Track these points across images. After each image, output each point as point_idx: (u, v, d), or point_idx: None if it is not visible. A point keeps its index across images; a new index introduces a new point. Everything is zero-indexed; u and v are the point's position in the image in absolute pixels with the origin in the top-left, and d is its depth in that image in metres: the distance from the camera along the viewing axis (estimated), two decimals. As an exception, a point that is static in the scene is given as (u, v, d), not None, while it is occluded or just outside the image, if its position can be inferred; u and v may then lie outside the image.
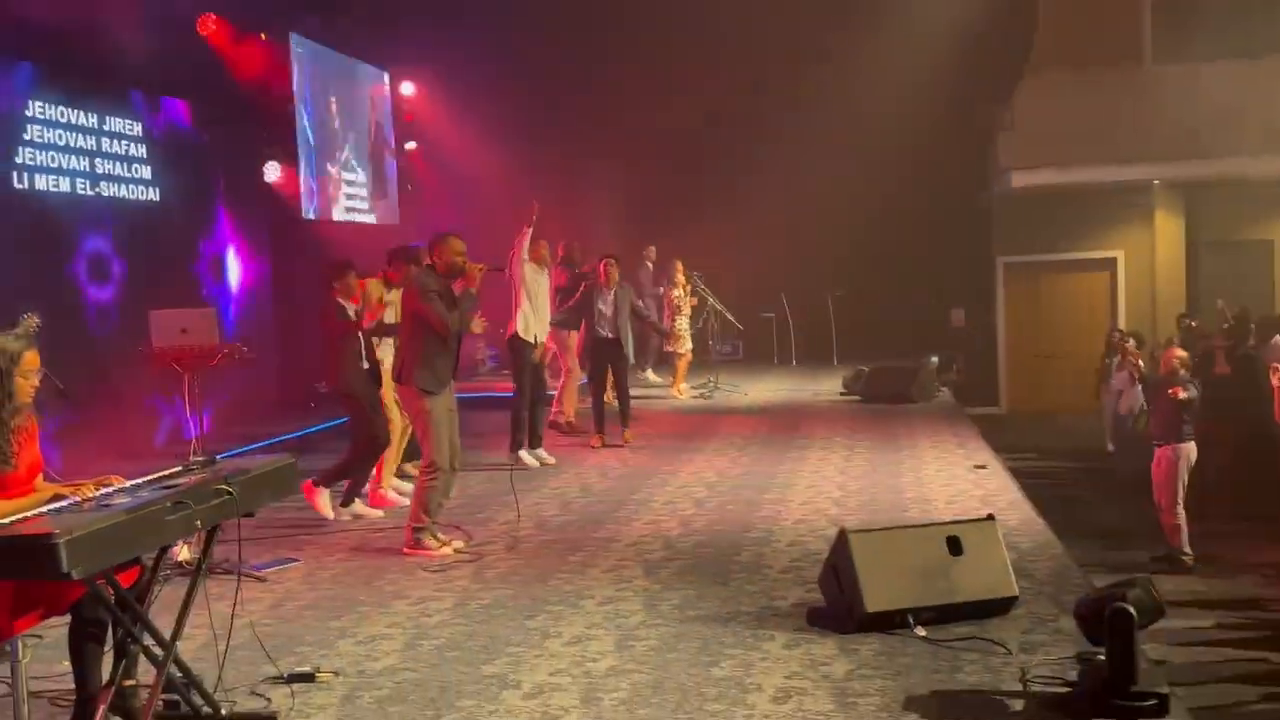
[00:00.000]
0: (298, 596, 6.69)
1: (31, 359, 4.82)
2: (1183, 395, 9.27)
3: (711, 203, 17.65)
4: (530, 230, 11.06)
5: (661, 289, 15.33)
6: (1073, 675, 4.95)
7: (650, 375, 15.84)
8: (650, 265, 16.11)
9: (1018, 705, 4.84)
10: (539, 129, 18.01)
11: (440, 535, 7.79)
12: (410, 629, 6.00)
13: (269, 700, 4.99)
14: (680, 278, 14.58)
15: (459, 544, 7.76)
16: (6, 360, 4.77)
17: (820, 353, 17.79)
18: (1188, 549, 8.99)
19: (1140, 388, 11.57)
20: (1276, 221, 17.10)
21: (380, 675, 5.32)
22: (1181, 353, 10.08)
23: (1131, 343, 12.21)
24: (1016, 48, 16.77)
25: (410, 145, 18.20)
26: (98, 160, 11.20)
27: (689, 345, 14.84)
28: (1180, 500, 9.58)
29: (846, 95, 16.83)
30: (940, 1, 16.60)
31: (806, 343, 18.10)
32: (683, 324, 14.64)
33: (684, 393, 14.67)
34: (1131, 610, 4.77)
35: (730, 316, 15.97)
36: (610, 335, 11.86)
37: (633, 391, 13.03)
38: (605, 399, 11.73)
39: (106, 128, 11.29)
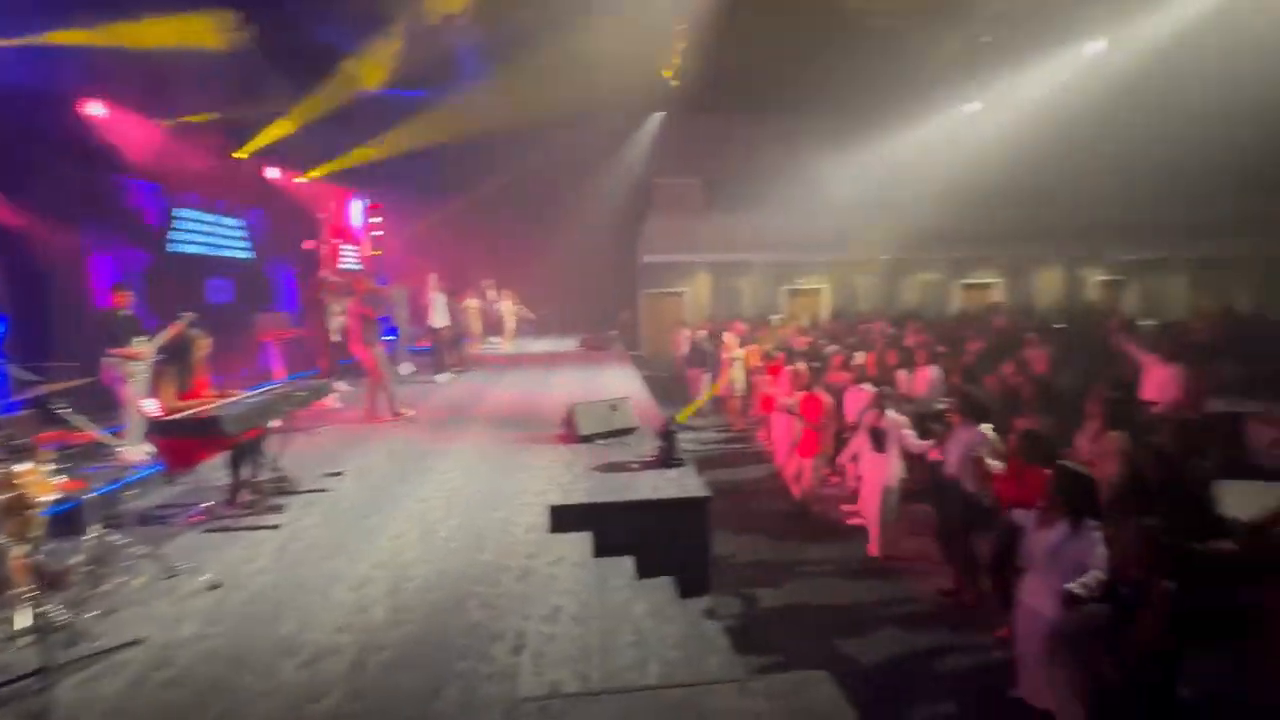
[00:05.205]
0: (332, 437, 6.69)
1: (204, 344, 4.77)
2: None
3: (518, 261, 17.72)
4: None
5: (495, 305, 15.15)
6: (654, 454, 5.46)
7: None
8: (490, 291, 15.83)
9: (636, 466, 5.33)
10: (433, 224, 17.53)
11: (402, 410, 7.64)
12: (386, 454, 6.06)
13: (326, 487, 5.27)
14: (510, 296, 14.84)
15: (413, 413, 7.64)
16: (187, 343, 4.76)
17: (567, 327, 18.17)
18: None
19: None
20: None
21: (368, 471, 5.58)
22: (701, 332, 11.04)
23: (687, 329, 13.13)
24: (646, 206, 18.15)
25: (378, 228, 17.20)
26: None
27: (511, 327, 15.16)
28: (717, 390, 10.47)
29: (580, 214, 17.57)
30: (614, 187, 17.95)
31: (559, 324, 18.43)
32: (509, 317, 14.89)
33: (507, 345, 14.92)
34: (672, 428, 5.39)
35: (529, 312, 16.31)
36: None
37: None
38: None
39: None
